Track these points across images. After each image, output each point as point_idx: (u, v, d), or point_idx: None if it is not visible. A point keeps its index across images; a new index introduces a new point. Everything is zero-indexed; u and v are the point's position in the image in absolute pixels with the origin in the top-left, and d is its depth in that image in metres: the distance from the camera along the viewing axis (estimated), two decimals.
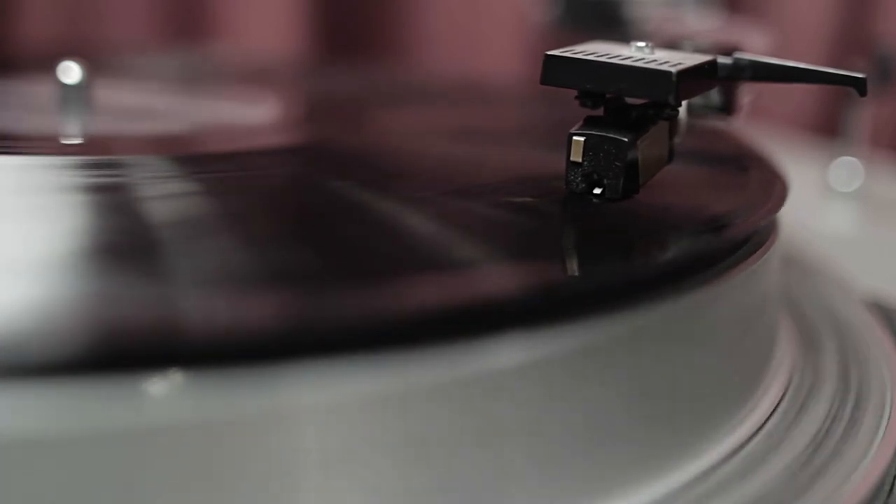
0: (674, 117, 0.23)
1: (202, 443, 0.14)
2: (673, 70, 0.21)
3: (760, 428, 0.21)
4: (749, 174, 0.27)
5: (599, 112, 0.22)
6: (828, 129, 0.61)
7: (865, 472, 0.19)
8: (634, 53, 0.22)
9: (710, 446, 0.20)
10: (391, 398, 0.15)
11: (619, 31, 0.39)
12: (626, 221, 0.21)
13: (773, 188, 0.25)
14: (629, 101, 0.23)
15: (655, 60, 0.21)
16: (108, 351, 0.14)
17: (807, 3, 0.68)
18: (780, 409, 0.22)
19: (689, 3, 0.44)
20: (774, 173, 0.26)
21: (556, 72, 0.22)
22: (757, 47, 0.30)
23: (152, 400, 0.14)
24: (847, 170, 0.46)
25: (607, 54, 0.22)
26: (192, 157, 0.28)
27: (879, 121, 0.54)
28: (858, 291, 0.30)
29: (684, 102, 0.24)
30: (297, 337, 0.15)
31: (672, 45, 0.26)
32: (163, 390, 0.14)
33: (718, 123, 0.29)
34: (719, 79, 0.23)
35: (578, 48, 0.22)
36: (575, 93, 0.22)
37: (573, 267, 0.19)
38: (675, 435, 0.19)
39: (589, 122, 0.22)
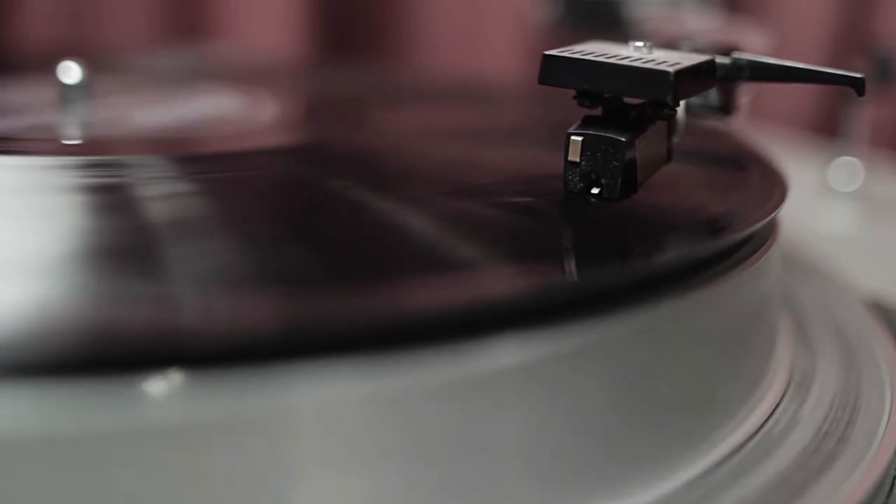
0: (672, 117, 0.23)
1: (201, 443, 0.14)
2: (671, 70, 0.21)
3: (760, 428, 0.21)
4: (749, 174, 0.27)
5: (597, 112, 0.22)
6: (828, 129, 0.61)
7: (865, 472, 0.19)
8: (633, 53, 0.22)
9: (709, 447, 0.20)
10: (390, 398, 0.15)
11: (619, 31, 0.39)
12: (624, 221, 0.21)
13: (773, 188, 0.25)
14: (627, 101, 0.23)
15: (653, 60, 0.21)
16: (107, 351, 0.14)
17: (806, 3, 0.68)
18: (779, 409, 0.22)
19: (689, 3, 0.44)
20: (774, 173, 0.26)
21: (554, 71, 0.22)
22: (756, 47, 0.30)
23: (151, 400, 0.14)
24: (847, 170, 0.46)
25: (605, 54, 0.22)
26: (191, 157, 0.28)
27: (879, 121, 0.54)
28: (858, 291, 0.30)
29: (683, 102, 0.24)
30: (297, 337, 0.15)
31: (671, 45, 0.26)
32: (162, 391, 0.14)
33: (717, 123, 0.29)
34: (718, 79, 0.23)
35: (577, 48, 0.22)
36: (573, 92, 0.22)
37: (572, 267, 0.19)
38: (675, 435, 0.19)
39: (587, 122, 0.22)
